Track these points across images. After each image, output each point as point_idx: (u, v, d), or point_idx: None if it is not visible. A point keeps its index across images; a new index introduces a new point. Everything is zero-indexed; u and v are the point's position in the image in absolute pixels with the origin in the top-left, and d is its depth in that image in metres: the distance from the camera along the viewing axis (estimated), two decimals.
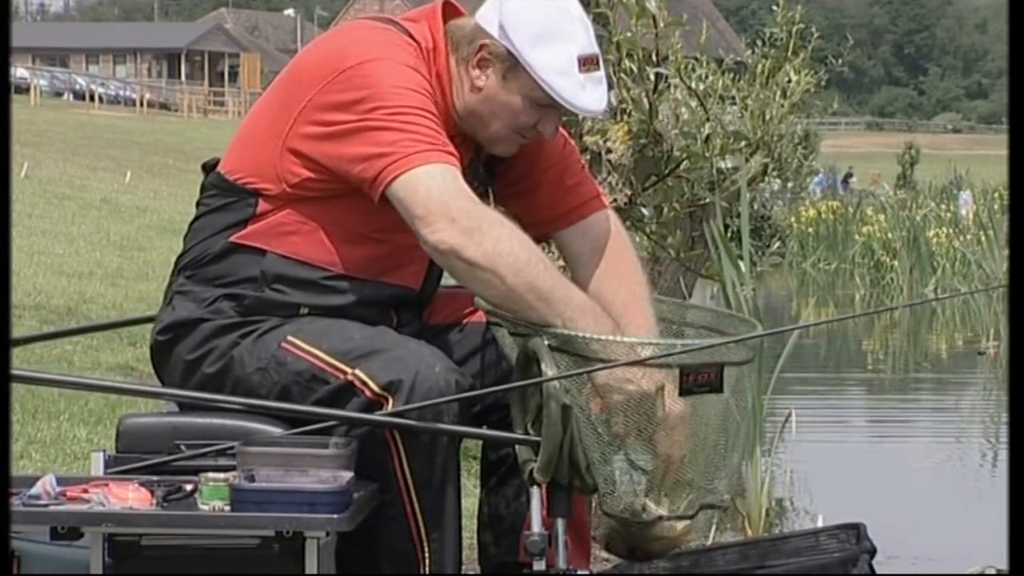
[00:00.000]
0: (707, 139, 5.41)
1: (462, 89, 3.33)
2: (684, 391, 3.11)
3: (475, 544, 3.54)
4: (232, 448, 3.07)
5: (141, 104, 62.47)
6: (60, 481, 3.03)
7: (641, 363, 3.12)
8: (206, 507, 2.94)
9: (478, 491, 3.55)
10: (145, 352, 3.57)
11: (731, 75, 5.67)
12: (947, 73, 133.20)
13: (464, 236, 3.11)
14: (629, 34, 5.28)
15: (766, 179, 6.07)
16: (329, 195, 3.28)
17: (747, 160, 5.64)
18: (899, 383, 13.74)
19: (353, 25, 3.42)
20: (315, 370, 3.22)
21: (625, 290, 3.40)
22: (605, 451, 3.14)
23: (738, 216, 6.13)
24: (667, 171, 5.41)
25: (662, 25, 5.27)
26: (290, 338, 3.26)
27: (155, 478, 3.08)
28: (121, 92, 70.43)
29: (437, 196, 3.13)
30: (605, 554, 4.75)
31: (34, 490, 2.98)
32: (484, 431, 3.39)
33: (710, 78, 5.52)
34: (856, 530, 3.31)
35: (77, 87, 70.02)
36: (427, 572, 3.20)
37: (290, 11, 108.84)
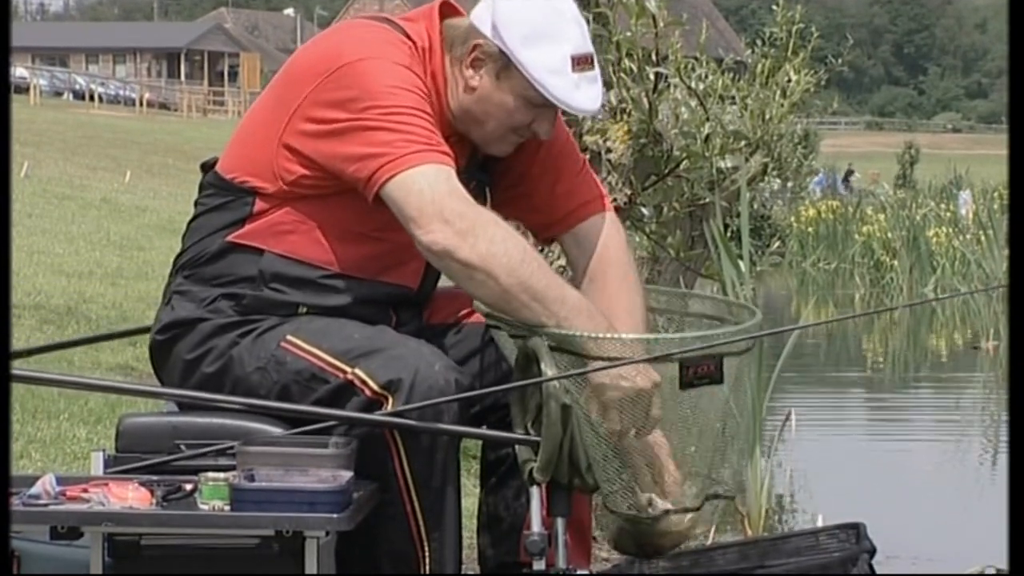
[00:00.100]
0: (707, 139, 5.41)
1: (457, 89, 3.33)
2: (685, 384, 3.11)
3: (475, 544, 3.54)
4: (232, 448, 3.07)
5: (141, 104, 62.49)
6: (60, 481, 3.02)
7: (643, 361, 3.12)
8: (206, 507, 2.94)
9: (478, 491, 3.55)
10: (145, 352, 3.56)
11: (731, 75, 5.67)
12: (947, 73, 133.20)
13: (458, 237, 3.11)
14: (629, 34, 5.28)
15: (766, 179, 6.07)
16: (325, 193, 3.28)
17: (747, 160, 5.64)
18: (899, 383, 13.74)
19: (350, 24, 3.43)
20: (315, 369, 3.22)
21: (613, 301, 3.32)
22: (607, 449, 3.14)
23: (738, 216, 6.13)
24: (667, 171, 5.40)
25: (662, 25, 5.26)
26: (289, 337, 3.26)
27: (155, 478, 3.08)
28: (121, 92, 70.45)
29: (431, 197, 3.12)
30: (605, 554, 4.76)
31: (34, 490, 2.98)
32: (484, 431, 3.39)
33: (710, 78, 5.52)
34: (856, 530, 3.31)
35: (77, 87, 70.04)
36: (427, 572, 3.20)
37: (290, 11, 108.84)
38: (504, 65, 3.27)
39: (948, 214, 25.42)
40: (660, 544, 3.24)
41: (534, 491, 3.14)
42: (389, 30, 3.33)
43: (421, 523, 3.18)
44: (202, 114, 67.25)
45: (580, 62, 3.26)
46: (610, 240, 3.46)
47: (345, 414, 3.15)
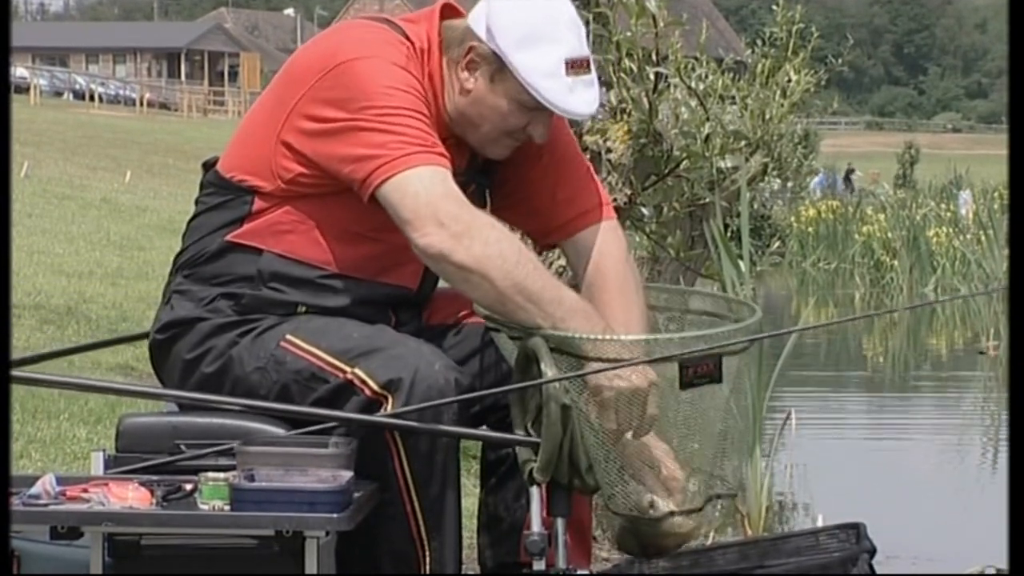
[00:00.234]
0: (707, 139, 5.41)
1: (453, 91, 3.32)
2: (684, 384, 3.11)
3: (475, 544, 3.54)
4: (232, 448, 3.07)
5: (141, 104, 62.48)
6: (60, 481, 3.03)
7: (644, 363, 3.11)
8: (206, 507, 2.94)
9: (478, 491, 3.55)
10: (145, 352, 3.56)
11: (731, 75, 5.67)
12: (947, 73, 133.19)
13: (453, 240, 3.11)
14: (629, 34, 5.27)
15: (766, 179, 6.06)
16: (324, 192, 3.28)
17: (747, 160, 5.64)
18: (899, 382, 13.74)
19: (349, 24, 3.43)
20: (314, 369, 3.22)
21: (607, 314, 3.27)
22: (608, 450, 3.14)
23: (738, 216, 6.12)
24: (667, 171, 5.40)
25: (662, 25, 5.26)
26: (289, 337, 3.26)
27: (155, 478, 3.08)
28: (121, 92, 70.45)
29: (425, 199, 3.12)
30: (605, 553, 4.76)
31: (34, 490, 2.98)
32: (484, 432, 3.39)
33: (710, 78, 5.51)
34: (856, 530, 3.31)
35: (77, 87, 70.04)
36: (427, 571, 3.20)
37: (290, 11, 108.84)
38: (498, 68, 3.26)
39: (948, 214, 25.42)
40: (663, 544, 3.23)
41: (534, 491, 3.14)
42: (388, 30, 3.33)
43: (421, 523, 3.18)
44: (202, 114, 67.26)
45: (575, 65, 3.24)
46: (609, 251, 3.43)
47: (345, 415, 3.15)
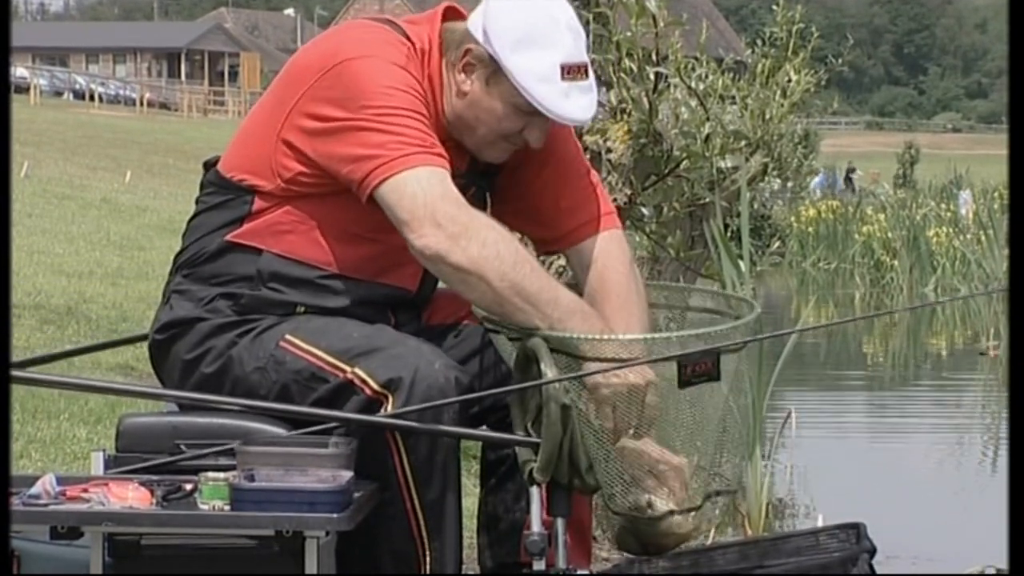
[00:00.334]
0: (707, 139, 5.41)
1: (451, 93, 3.32)
2: (683, 383, 3.11)
3: (475, 544, 3.54)
4: (232, 448, 3.07)
5: (141, 104, 62.48)
6: (60, 481, 3.03)
7: (643, 362, 3.11)
8: (206, 507, 2.94)
9: (478, 491, 3.55)
10: (145, 352, 3.56)
11: (731, 75, 5.67)
12: (947, 73, 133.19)
13: (450, 241, 3.10)
14: (629, 33, 5.28)
15: (766, 179, 6.07)
16: (323, 192, 3.28)
17: (747, 160, 5.64)
18: (899, 382, 13.74)
19: (350, 24, 3.43)
20: (314, 369, 3.22)
21: (610, 325, 3.24)
22: (608, 450, 3.14)
23: (738, 216, 6.13)
24: (667, 171, 5.40)
25: (662, 24, 5.26)
26: (288, 337, 3.26)
27: (155, 477, 3.08)
28: (121, 92, 70.44)
29: (423, 200, 3.12)
30: (605, 553, 4.76)
31: (34, 490, 2.98)
32: (484, 432, 3.39)
33: (710, 78, 5.52)
34: (856, 530, 3.30)
35: (77, 87, 70.04)
36: (428, 571, 3.20)
37: (290, 11, 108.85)
38: (494, 71, 3.26)
39: (948, 214, 25.42)
40: (663, 544, 3.23)
41: (534, 491, 3.14)
42: (389, 31, 3.33)
43: (422, 522, 3.18)
44: (202, 114, 67.26)
45: (571, 71, 3.23)
46: (612, 262, 3.41)
47: (345, 415, 3.15)
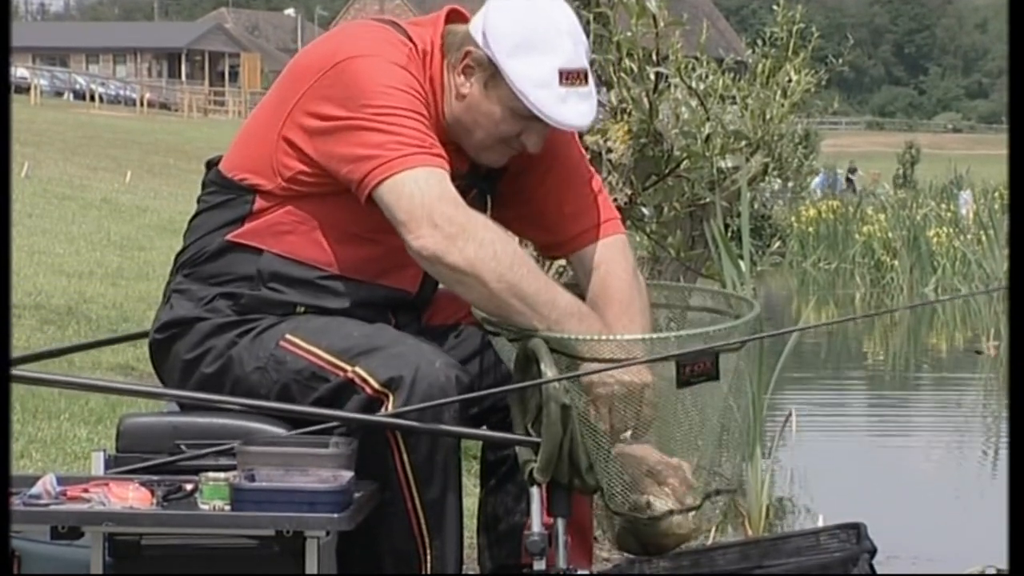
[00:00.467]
0: (707, 139, 5.41)
1: (450, 96, 3.32)
2: (681, 383, 3.11)
3: (475, 544, 3.54)
4: (232, 448, 3.07)
5: (141, 104, 62.49)
6: (60, 481, 3.02)
7: (641, 362, 3.11)
8: (206, 507, 2.94)
9: (478, 491, 3.55)
10: (145, 351, 3.56)
11: (731, 75, 5.67)
12: (947, 73, 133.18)
13: (447, 241, 3.10)
14: (629, 34, 5.28)
15: (766, 179, 6.07)
16: (324, 192, 3.28)
17: (747, 160, 5.64)
18: (899, 382, 13.74)
19: (352, 24, 3.43)
20: (314, 368, 3.22)
21: (612, 331, 3.24)
22: (608, 450, 3.14)
23: (738, 216, 6.13)
24: (667, 171, 5.41)
25: (662, 25, 5.27)
26: (288, 336, 3.26)
27: (155, 478, 3.08)
28: (121, 92, 70.46)
29: (420, 201, 3.12)
30: (605, 554, 4.76)
31: (34, 490, 2.98)
32: (484, 432, 3.39)
33: (710, 78, 5.52)
34: (856, 530, 3.31)
35: (77, 87, 70.06)
36: (428, 570, 3.20)
37: (290, 11, 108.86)
38: (492, 74, 3.25)
39: (949, 214, 25.40)
40: (663, 544, 3.23)
41: (534, 491, 3.14)
42: (390, 31, 3.33)
43: (423, 521, 3.18)
44: (203, 114, 67.27)
45: (570, 76, 3.22)
46: (614, 268, 3.41)
47: (345, 415, 3.15)
